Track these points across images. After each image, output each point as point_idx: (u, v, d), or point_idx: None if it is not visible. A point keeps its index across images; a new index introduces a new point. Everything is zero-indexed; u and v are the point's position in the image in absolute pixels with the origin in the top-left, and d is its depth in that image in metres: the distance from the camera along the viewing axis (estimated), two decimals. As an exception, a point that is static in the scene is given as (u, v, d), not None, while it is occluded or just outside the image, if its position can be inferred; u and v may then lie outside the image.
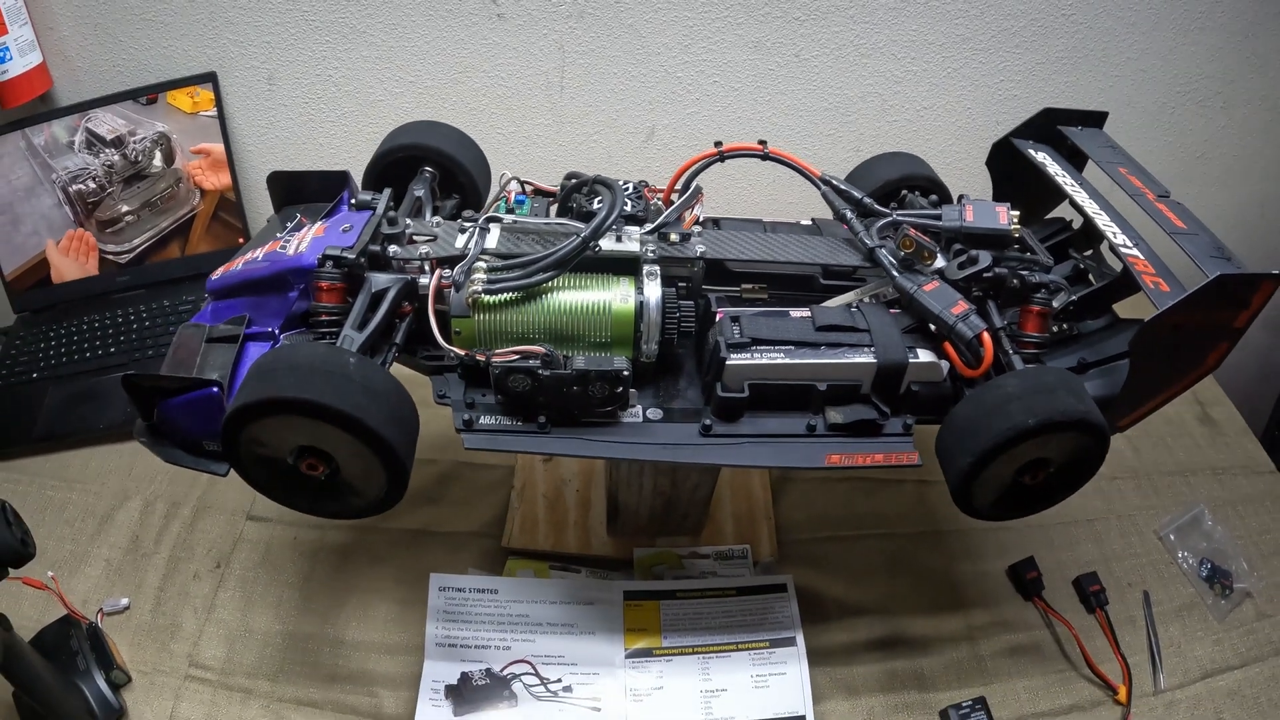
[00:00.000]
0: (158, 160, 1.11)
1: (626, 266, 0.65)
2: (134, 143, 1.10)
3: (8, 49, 1.00)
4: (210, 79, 1.09)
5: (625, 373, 0.60)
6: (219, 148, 1.12)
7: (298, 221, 0.75)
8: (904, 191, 0.82)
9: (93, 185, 1.10)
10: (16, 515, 0.65)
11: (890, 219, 0.71)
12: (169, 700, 0.78)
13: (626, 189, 0.71)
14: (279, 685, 0.79)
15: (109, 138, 1.09)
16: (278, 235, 0.72)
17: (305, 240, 0.68)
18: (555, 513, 0.91)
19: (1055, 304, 0.70)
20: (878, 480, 0.99)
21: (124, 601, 0.84)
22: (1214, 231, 0.66)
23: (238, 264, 0.72)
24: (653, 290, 0.62)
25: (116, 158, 1.10)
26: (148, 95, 1.09)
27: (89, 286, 1.14)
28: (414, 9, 1.04)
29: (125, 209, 1.12)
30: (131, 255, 1.14)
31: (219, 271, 0.73)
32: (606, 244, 0.64)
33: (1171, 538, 0.95)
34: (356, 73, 1.09)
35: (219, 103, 1.10)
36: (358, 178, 0.78)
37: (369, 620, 0.84)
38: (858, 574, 0.89)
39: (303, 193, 0.79)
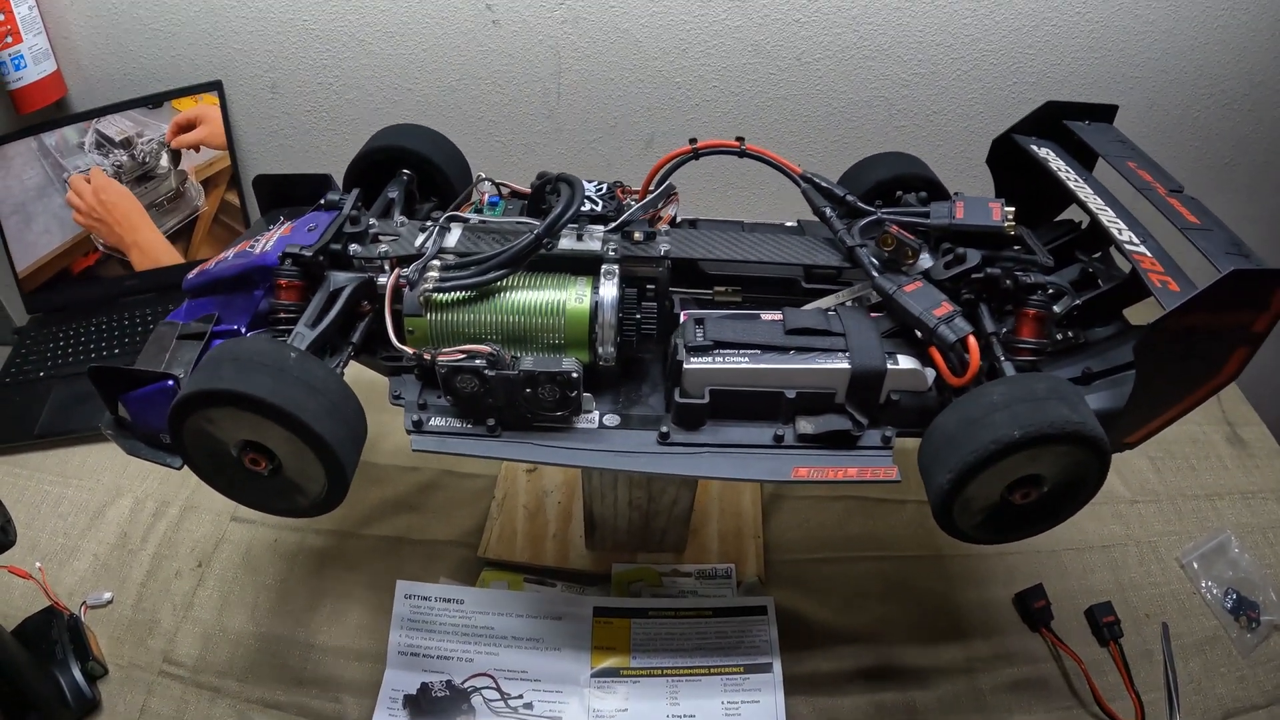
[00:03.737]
0: (164, 161, 1.14)
1: (588, 266, 0.62)
2: (141, 144, 1.12)
3: (22, 57, 1.04)
4: (216, 87, 1.11)
5: (575, 375, 0.57)
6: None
7: (280, 223, 0.75)
8: (899, 192, 0.78)
9: (102, 185, 1.13)
10: None
11: (874, 217, 0.67)
12: (141, 694, 0.78)
13: (600, 189, 0.69)
14: (247, 686, 0.79)
15: (118, 139, 1.12)
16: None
17: (271, 239, 0.68)
18: (535, 524, 0.89)
19: (1057, 308, 0.65)
20: (876, 499, 0.94)
21: (107, 595, 0.85)
22: (1239, 236, 0.61)
23: (212, 263, 0.72)
24: (609, 290, 0.60)
25: (125, 158, 1.13)
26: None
27: (98, 289, 1.16)
28: (411, 17, 1.04)
29: (133, 210, 1.14)
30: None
31: (195, 270, 0.73)
32: (567, 243, 0.63)
33: (1195, 566, 0.89)
34: (357, 80, 1.10)
35: (224, 110, 1.12)
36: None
37: (340, 625, 0.83)
38: (850, 598, 0.85)
39: (290, 196, 0.79)
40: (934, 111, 1.09)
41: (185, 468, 0.60)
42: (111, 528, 0.92)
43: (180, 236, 1.16)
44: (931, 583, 0.87)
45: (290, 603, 0.85)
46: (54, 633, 0.78)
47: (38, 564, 0.87)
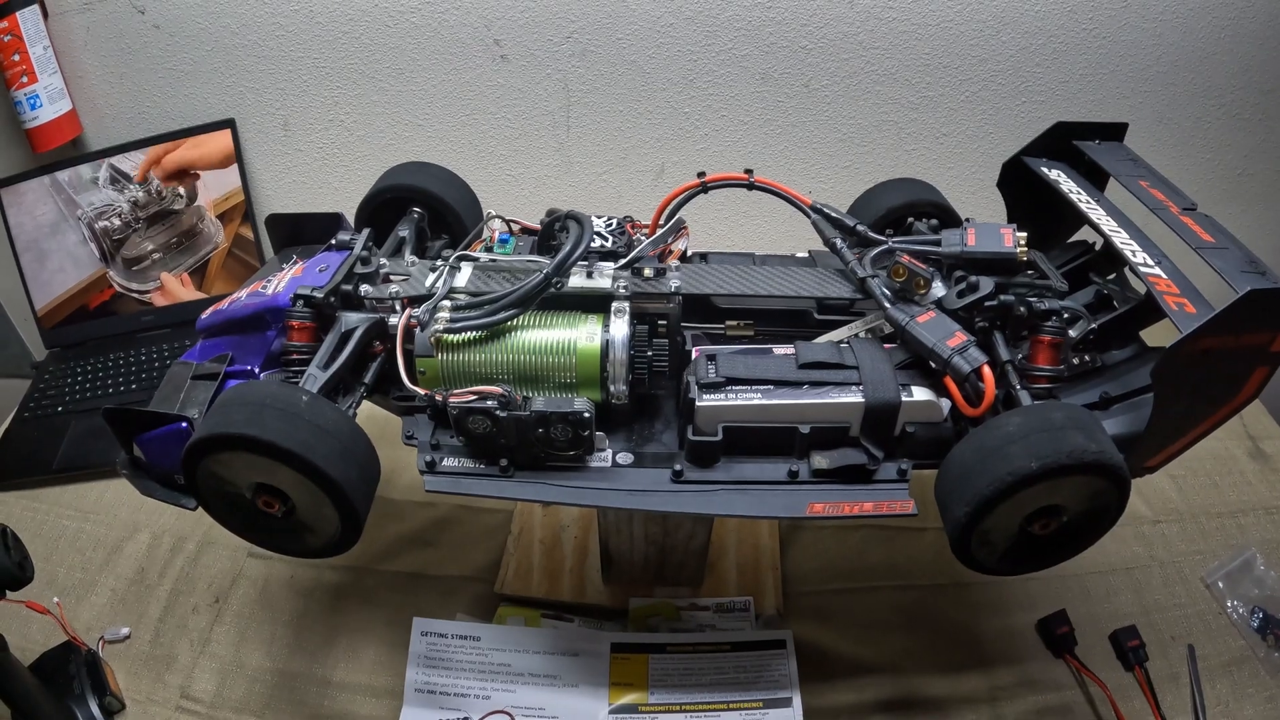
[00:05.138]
0: (180, 196, 1.14)
1: (599, 304, 0.62)
2: (157, 178, 1.13)
3: (38, 96, 1.06)
4: (229, 125, 1.12)
5: (587, 415, 0.57)
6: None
7: (292, 262, 0.75)
8: (910, 219, 0.78)
9: (117, 222, 1.14)
10: (16, 539, 0.67)
11: (885, 247, 0.67)
12: (158, 729, 0.78)
13: (610, 224, 0.69)
14: (263, 721, 0.78)
15: (133, 174, 1.13)
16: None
17: (284, 280, 0.68)
18: (551, 559, 0.89)
19: (1073, 333, 0.65)
20: (895, 528, 0.93)
21: (125, 631, 0.85)
22: (1255, 250, 0.60)
23: (225, 303, 0.73)
24: (619, 328, 0.59)
25: (140, 194, 1.13)
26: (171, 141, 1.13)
27: (115, 325, 1.17)
28: (420, 54, 1.05)
29: (150, 247, 1.15)
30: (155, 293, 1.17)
31: (209, 310, 0.74)
32: (577, 281, 0.63)
33: (1220, 585, 0.88)
34: (367, 117, 1.11)
35: (237, 148, 1.13)
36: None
37: (356, 662, 0.82)
38: (870, 629, 0.84)
39: (302, 234, 0.80)
40: (943, 134, 1.09)
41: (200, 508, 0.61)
42: (129, 563, 0.92)
43: (195, 271, 1.17)
44: (952, 611, 0.86)
45: (307, 638, 0.84)
46: (71, 668, 0.78)
47: (55, 599, 0.87)
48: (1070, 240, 0.77)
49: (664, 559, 0.81)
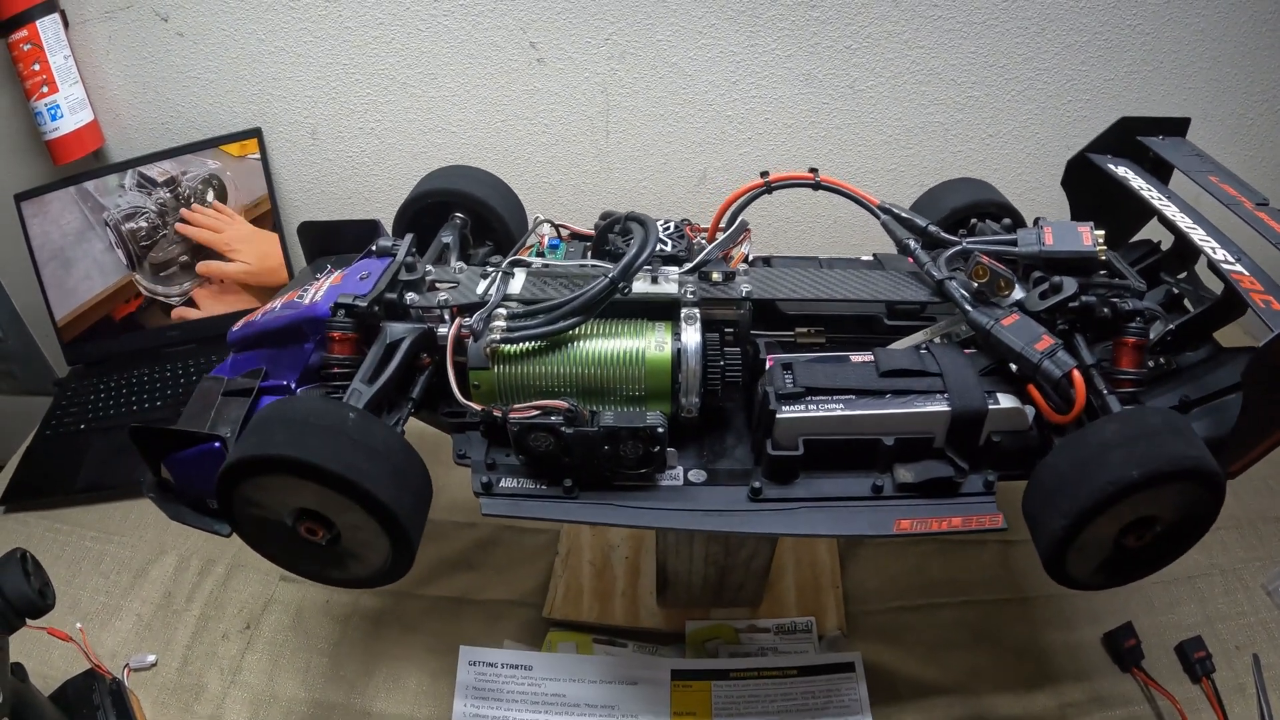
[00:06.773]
0: (210, 199, 1.12)
1: (664, 311, 0.59)
2: (186, 182, 1.10)
3: (58, 106, 1.04)
4: (256, 134, 1.10)
5: (660, 429, 0.54)
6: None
7: (327, 272, 0.72)
8: (974, 220, 0.75)
9: (145, 225, 1.11)
10: (37, 565, 0.64)
11: (960, 247, 0.64)
12: (186, 763, 0.75)
13: (668, 228, 0.66)
14: (300, 757, 0.75)
15: (160, 180, 1.10)
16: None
17: (322, 289, 0.65)
18: (602, 581, 0.85)
19: (1151, 335, 0.61)
20: (956, 542, 0.90)
21: (151, 658, 0.82)
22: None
23: (258, 314, 0.70)
24: (691, 336, 0.56)
25: (168, 196, 1.11)
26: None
27: (139, 340, 1.14)
28: (453, 58, 1.03)
29: (178, 250, 1.12)
30: (182, 299, 1.14)
31: (240, 322, 0.71)
32: (640, 286, 0.59)
33: (1281, 592, 0.84)
34: (398, 124, 1.09)
35: (264, 157, 1.11)
36: (401, 228, 0.76)
37: (398, 691, 0.79)
38: (935, 648, 0.81)
39: (335, 243, 0.77)
40: (990, 135, 1.06)
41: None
42: (155, 586, 0.89)
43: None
44: (1017, 626, 0.83)
45: (344, 667, 0.81)
46: (95, 697, 0.75)
47: (78, 624, 0.83)
48: (1133, 240, 0.75)
49: (723, 580, 0.77)
